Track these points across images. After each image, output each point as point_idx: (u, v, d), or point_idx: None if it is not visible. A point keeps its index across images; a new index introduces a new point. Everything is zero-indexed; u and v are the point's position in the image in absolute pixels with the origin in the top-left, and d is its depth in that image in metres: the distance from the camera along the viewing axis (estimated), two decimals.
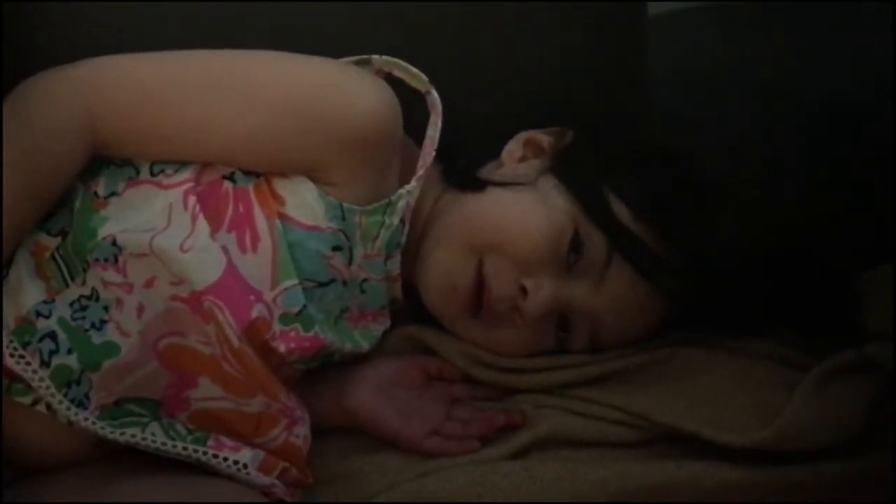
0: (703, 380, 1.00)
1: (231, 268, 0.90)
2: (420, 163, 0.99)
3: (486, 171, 1.04)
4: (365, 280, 0.99)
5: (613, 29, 1.14)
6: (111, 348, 0.89)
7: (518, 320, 0.99)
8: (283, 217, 0.92)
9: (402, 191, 0.97)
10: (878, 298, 1.01)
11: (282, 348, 0.92)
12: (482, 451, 0.98)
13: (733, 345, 1.03)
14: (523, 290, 0.98)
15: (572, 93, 1.13)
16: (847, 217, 1.08)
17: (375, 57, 1.00)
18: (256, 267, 0.91)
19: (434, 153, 0.99)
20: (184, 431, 0.92)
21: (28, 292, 0.89)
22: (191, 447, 0.91)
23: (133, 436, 0.90)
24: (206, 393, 0.92)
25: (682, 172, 1.01)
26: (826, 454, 0.94)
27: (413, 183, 0.98)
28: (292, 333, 0.93)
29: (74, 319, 0.89)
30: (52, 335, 0.88)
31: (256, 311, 0.91)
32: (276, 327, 0.92)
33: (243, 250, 0.91)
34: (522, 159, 1.04)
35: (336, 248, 0.95)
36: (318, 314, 0.95)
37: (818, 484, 0.92)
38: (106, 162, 0.93)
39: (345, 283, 0.97)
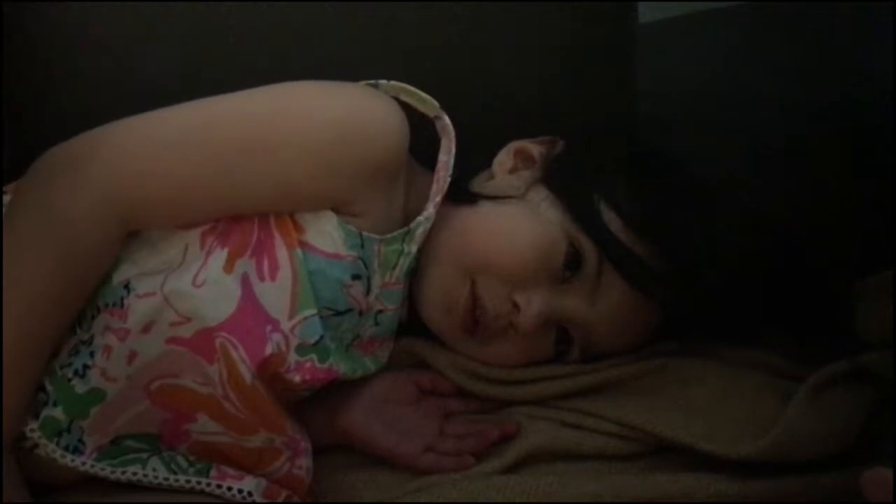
0: (696, 391, 0.99)
1: (248, 297, 0.90)
2: (434, 188, 0.98)
3: (478, 183, 1.03)
4: (380, 311, 0.99)
5: (602, 38, 1.14)
6: (96, 395, 0.89)
7: (513, 335, 0.99)
8: (304, 245, 0.92)
9: (420, 218, 0.97)
10: (873, 307, 1.00)
11: (297, 379, 0.92)
12: (475, 465, 0.98)
13: (726, 355, 1.02)
14: (516, 306, 0.97)
15: (561, 102, 1.12)
16: (843, 224, 1.07)
17: (383, 82, 0.99)
18: (275, 295, 0.91)
19: (449, 178, 0.98)
20: (185, 464, 0.92)
21: None
22: (194, 479, 0.91)
23: (134, 473, 0.90)
24: (206, 427, 0.92)
25: (675, 179, 1.00)
26: (821, 465, 0.93)
27: (430, 210, 0.97)
28: (308, 364, 0.93)
29: (62, 368, 0.89)
30: (41, 387, 0.88)
31: (271, 347, 0.90)
32: (292, 358, 0.92)
33: (261, 278, 0.91)
34: (513, 170, 1.03)
35: (356, 277, 0.94)
36: (332, 343, 0.94)
37: (813, 495, 0.92)
38: None
39: (361, 313, 0.97)
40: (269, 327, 0.90)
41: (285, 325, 0.91)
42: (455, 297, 0.98)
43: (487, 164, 1.05)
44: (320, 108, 0.93)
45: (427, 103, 0.99)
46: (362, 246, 0.94)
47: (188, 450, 0.93)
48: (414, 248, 0.97)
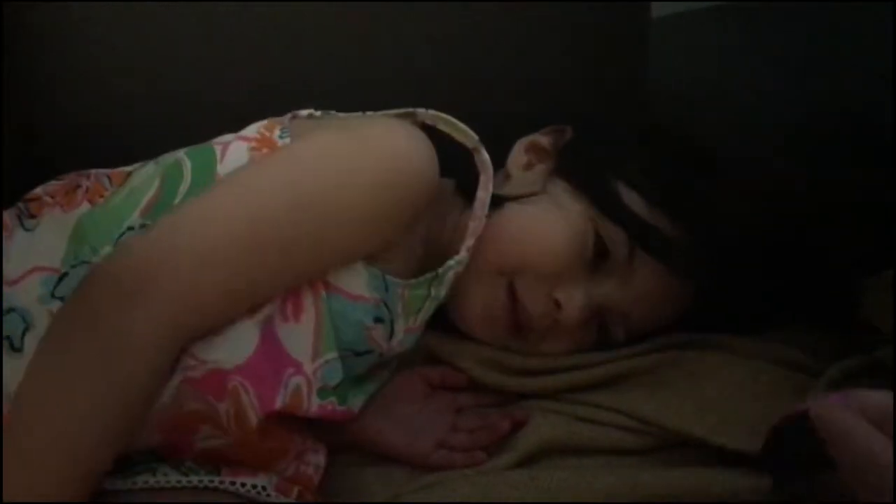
0: (711, 384, 0.99)
1: (269, 340, 0.88)
2: (471, 228, 0.97)
3: (497, 185, 1.02)
4: (399, 354, 0.99)
5: (614, 34, 1.14)
6: None
7: (559, 331, 0.99)
8: (328, 286, 0.91)
9: (451, 262, 0.97)
10: (889, 301, 1.00)
11: (314, 415, 0.91)
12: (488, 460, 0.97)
13: (741, 349, 1.02)
14: (557, 304, 0.97)
15: (573, 97, 1.12)
16: (855, 216, 1.07)
17: (421, 111, 0.98)
18: (298, 337, 0.90)
19: (485, 217, 0.97)
20: (195, 466, 0.91)
21: None
22: (206, 479, 0.90)
23: (146, 482, 0.89)
24: (209, 434, 0.90)
25: (689, 151, 1.01)
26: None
27: (463, 253, 0.97)
28: (329, 407, 0.92)
29: None
30: None
31: (281, 400, 0.88)
32: (314, 401, 0.91)
33: (285, 319, 0.89)
34: (528, 166, 1.03)
35: (378, 320, 0.94)
36: (348, 378, 0.94)
37: None
38: (140, 228, 0.90)
39: (381, 355, 0.96)
40: (290, 370, 0.89)
41: (308, 368, 0.90)
42: (495, 305, 0.99)
43: (500, 161, 1.04)
44: (354, 174, 0.90)
45: (465, 134, 0.98)
46: (386, 289, 0.93)
47: (194, 460, 0.91)
48: (442, 293, 0.97)
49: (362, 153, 0.91)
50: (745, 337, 1.03)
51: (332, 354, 0.91)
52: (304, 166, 0.90)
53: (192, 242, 0.86)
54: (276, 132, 0.96)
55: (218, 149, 0.95)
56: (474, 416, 1.01)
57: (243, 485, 0.91)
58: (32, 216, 0.94)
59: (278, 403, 0.88)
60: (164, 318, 0.83)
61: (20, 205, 0.96)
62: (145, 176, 0.95)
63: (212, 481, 0.90)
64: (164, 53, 1.07)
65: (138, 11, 1.06)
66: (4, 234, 0.92)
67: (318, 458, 0.95)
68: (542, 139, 1.04)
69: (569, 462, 0.96)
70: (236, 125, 0.99)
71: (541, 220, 0.98)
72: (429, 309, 0.98)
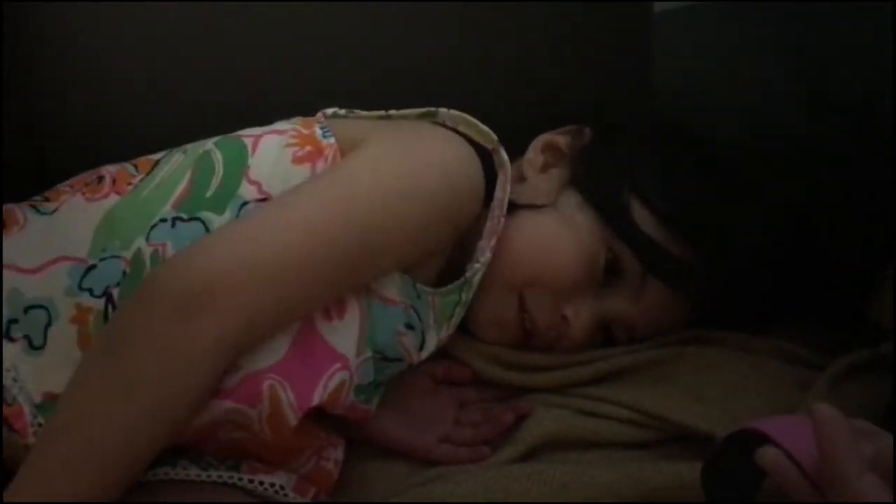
0: (714, 378, 0.99)
1: (307, 338, 0.88)
2: (489, 227, 0.97)
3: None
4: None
5: (617, 28, 1.14)
6: None
7: (565, 342, 1.00)
8: (367, 288, 0.91)
9: (477, 265, 0.96)
10: (891, 297, 1.00)
11: (343, 411, 0.91)
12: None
13: (745, 343, 1.02)
14: (564, 318, 0.98)
15: (576, 93, 1.12)
16: (860, 214, 1.07)
17: (443, 111, 0.98)
18: (344, 333, 0.89)
19: (503, 218, 0.97)
20: (215, 461, 0.90)
21: (62, 375, 0.84)
22: (225, 474, 0.89)
23: (166, 473, 0.88)
24: (231, 428, 0.89)
25: (700, 164, 1.00)
26: None
27: (487, 255, 0.96)
28: (360, 406, 0.92)
29: None
30: None
31: (319, 397, 0.88)
32: (351, 397, 0.90)
33: (328, 319, 0.89)
34: (545, 167, 1.02)
35: (409, 326, 0.93)
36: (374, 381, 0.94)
37: None
38: (172, 221, 0.90)
39: (410, 365, 0.96)
40: (337, 365, 0.89)
41: (353, 363, 0.90)
42: (506, 315, 0.99)
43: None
44: (410, 190, 0.90)
45: (485, 135, 0.98)
46: (417, 297, 0.94)
47: (216, 452, 0.91)
48: (471, 295, 0.97)
49: (417, 168, 0.91)
50: (747, 332, 1.03)
51: (370, 353, 0.91)
52: (359, 184, 0.90)
53: (251, 259, 0.85)
54: (317, 130, 0.95)
55: (249, 141, 0.95)
56: (478, 411, 1.01)
57: (261, 483, 0.90)
58: (48, 200, 0.94)
59: (315, 399, 0.88)
60: (219, 335, 0.83)
61: (34, 198, 0.95)
62: (175, 166, 0.94)
63: (231, 477, 0.89)
64: (164, 53, 1.07)
65: (138, 12, 1.06)
66: (16, 227, 0.91)
67: (337, 454, 0.94)
68: (560, 139, 1.03)
69: (572, 456, 0.96)
70: (236, 125, 0.99)
71: (553, 235, 0.98)
72: (459, 314, 0.98)
